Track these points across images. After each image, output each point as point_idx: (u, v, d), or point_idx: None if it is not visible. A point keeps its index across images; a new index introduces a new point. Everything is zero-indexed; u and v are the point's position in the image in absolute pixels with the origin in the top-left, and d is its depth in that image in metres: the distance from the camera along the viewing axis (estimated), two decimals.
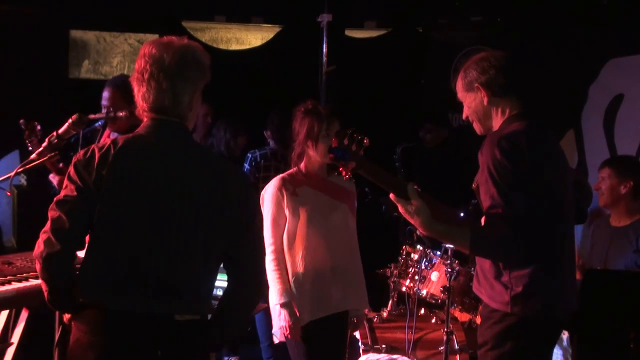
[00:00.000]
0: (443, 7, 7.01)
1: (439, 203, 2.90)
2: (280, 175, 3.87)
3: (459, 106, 3.13)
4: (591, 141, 6.02)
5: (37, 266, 2.43)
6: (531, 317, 2.82)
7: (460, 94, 3.07)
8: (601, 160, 5.07)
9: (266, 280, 2.68)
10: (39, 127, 3.73)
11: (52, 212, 2.42)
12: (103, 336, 2.38)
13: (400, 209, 2.84)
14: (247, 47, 7.38)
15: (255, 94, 6.80)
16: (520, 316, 2.82)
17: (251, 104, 6.73)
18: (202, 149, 2.60)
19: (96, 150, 2.43)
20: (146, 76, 2.46)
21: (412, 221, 2.86)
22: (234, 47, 7.38)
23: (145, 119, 2.53)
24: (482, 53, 3.04)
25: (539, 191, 2.81)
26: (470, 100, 3.03)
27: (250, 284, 2.62)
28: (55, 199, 2.45)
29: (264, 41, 7.35)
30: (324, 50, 6.76)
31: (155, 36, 2.62)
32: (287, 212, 3.75)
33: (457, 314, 4.65)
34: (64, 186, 2.47)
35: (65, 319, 2.59)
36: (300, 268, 3.69)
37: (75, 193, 2.41)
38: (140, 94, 2.50)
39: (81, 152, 2.48)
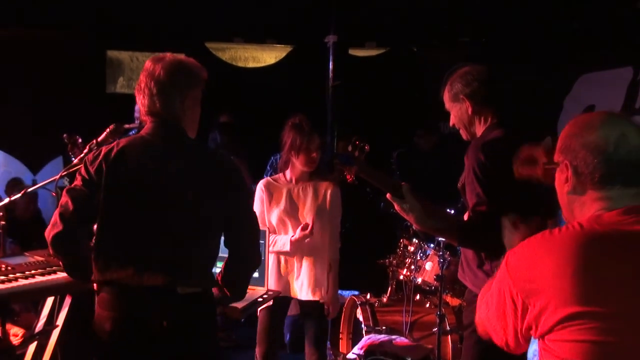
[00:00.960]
0: (434, 29, 7.00)
1: (429, 201, 2.87)
2: (267, 177, 3.98)
3: (447, 115, 3.12)
4: None
5: (48, 243, 2.50)
6: None
7: (448, 104, 3.06)
8: None
9: (259, 252, 2.70)
10: (80, 140, 3.73)
11: (62, 199, 2.50)
12: (115, 310, 2.42)
13: (397, 207, 2.82)
14: (263, 64, 7.38)
15: (270, 106, 6.80)
16: (476, 291, 2.80)
17: (266, 114, 6.73)
18: (196, 143, 2.63)
19: (103, 149, 2.52)
20: (142, 86, 2.53)
21: (406, 217, 2.84)
22: (251, 64, 7.37)
23: (147, 123, 2.59)
24: (466, 67, 3.02)
25: (519, 189, 2.74)
26: (457, 110, 3.02)
27: (247, 256, 2.64)
28: (66, 187, 2.54)
29: (277, 59, 7.34)
30: (331, 67, 6.75)
31: (182, 56, 2.61)
32: (265, 207, 3.84)
33: (449, 299, 4.64)
34: (75, 178, 2.56)
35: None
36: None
37: (80, 183, 2.49)
38: (139, 102, 2.57)
39: (91, 153, 2.56)
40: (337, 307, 4.00)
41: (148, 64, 2.56)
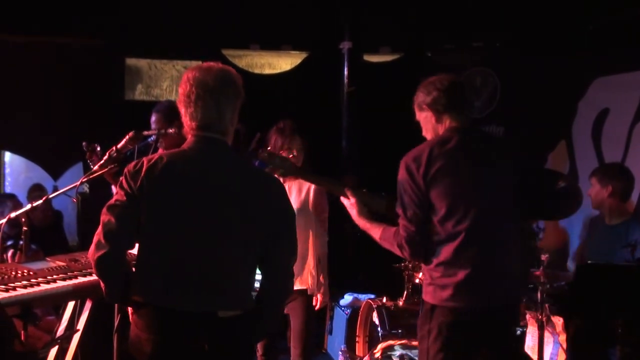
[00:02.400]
0: (449, 33, 6.99)
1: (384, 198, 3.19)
2: None
3: None
4: (581, 150, 5.97)
5: (92, 265, 2.42)
6: (439, 304, 2.90)
7: (416, 114, 3.16)
8: (590, 168, 5.05)
9: (292, 277, 2.67)
10: (98, 148, 3.75)
11: (104, 216, 2.40)
12: (155, 333, 2.35)
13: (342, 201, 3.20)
14: (278, 71, 7.39)
15: (286, 111, 6.81)
16: (430, 303, 2.94)
17: (282, 119, 6.73)
18: (241, 161, 2.58)
19: (145, 162, 2.41)
20: (193, 97, 2.43)
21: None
22: (267, 71, 7.39)
23: (189, 137, 2.50)
24: (431, 77, 3.13)
25: (440, 197, 2.87)
26: (422, 118, 3.13)
27: (282, 283, 2.59)
28: (107, 204, 2.43)
29: (292, 66, 7.35)
30: (345, 73, 6.78)
31: (199, 62, 2.60)
32: None
33: None
34: (115, 192, 2.46)
35: (129, 315, 2.57)
36: None
37: (124, 199, 2.39)
38: (188, 114, 2.46)
39: (132, 164, 2.45)
40: (327, 297, 4.06)
41: (195, 74, 2.45)
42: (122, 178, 2.43)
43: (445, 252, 2.89)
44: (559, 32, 6.08)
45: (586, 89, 5.91)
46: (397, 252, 2.99)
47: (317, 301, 3.99)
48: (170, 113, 3.84)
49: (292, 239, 2.59)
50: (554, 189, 3.77)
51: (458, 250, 2.87)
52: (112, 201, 2.42)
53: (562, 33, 6.06)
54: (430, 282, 2.96)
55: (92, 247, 2.40)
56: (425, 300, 2.98)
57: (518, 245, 3.02)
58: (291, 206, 2.64)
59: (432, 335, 2.91)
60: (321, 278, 3.96)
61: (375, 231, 3.10)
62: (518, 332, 4.31)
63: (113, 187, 4.31)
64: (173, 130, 3.66)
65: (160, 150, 3.90)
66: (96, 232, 2.41)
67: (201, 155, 2.45)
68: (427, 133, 3.11)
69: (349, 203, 3.21)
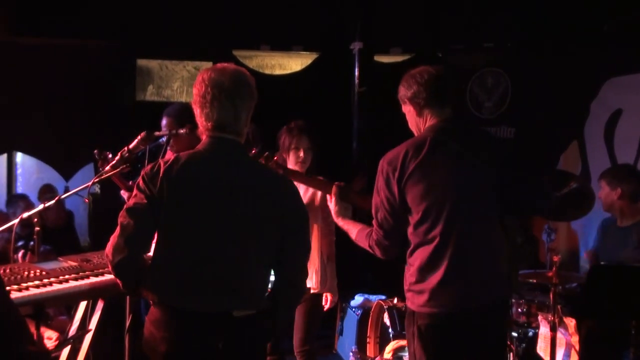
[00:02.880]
0: (459, 34, 6.97)
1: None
2: None
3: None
4: (593, 151, 5.94)
5: (110, 267, 2.42)
6: (416, 310, 2.87)
7: (402, 107, 3.10)
8: (602, 168, 5.04)
9: (307, 276, 2.67)
10: (110, 156, 3.76)
11: (122, 219, 2.40)
12: (170, 332, 2.36)
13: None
14: (289, 72, 7.39)
15: (297, 112, 6.81)
16: (410, 308, 2.92)
17: (292, 121, 6.74)
18: (255, 162, 2.58)
19: (162, 164, 2.42)
20: (209, 98, 2.43)
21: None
22: (277, 72, 7.39)
23: (204, 137, 2.51)
24: (412, 70, 3.04)
25: (422, 199, 2.82)
26: (406, 112, 3.07)
27: (296, 283, 2.60)
28: (125, 206, 2.42)
29: (303, 66, 7.35)
30: (356, 73, 6.76)
31: (210, 63, 2.61)
32: None
33: None
34: (133, 195, 2.45)
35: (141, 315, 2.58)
36: None
37: (144, 201, 2.39)
38: (204, 114, 2.47)
39: (149, 166, 2.46)
40: (336, 297, 4.06)
41: (211, 74, 2.45)
42: (140, 180, 2.43)
43: (420, 257, 2.85)
44: (571, 32, 6.05)
45: (599, 90, 5.89)
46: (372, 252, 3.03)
47: (327, 300, 3.99)
48: (181, 116, 3.86)
49: (306, 237, 2.61)
50: (566, 191, 3.75)
51: (432, 255, 2.82)
52: (130, 204, 2.42)
53: (574, 33, 6.03)
54: (408, 287, 2.92)
55: (110, 248, 2.40)
56: (407, 305, 2.97)
57: (500, 243, 2.94)
58: (304, 205, 2.65)
59: (415, 339, 2.90)
60: (329, 276, 3.97)
61: (352, 231, 3.12)
62: (530, 334, 4.30)
63: (122, 193, 4.33)
64: (185, 130, 3.66)
65: (169, 151, 3.91)
66: (114, 234, 2.41)
67: (218, 156, 2.46)
68: (412, 127, 3.07)
69: (331, 203, 3.31)
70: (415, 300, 2.88)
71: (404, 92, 3.02)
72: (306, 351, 3.93)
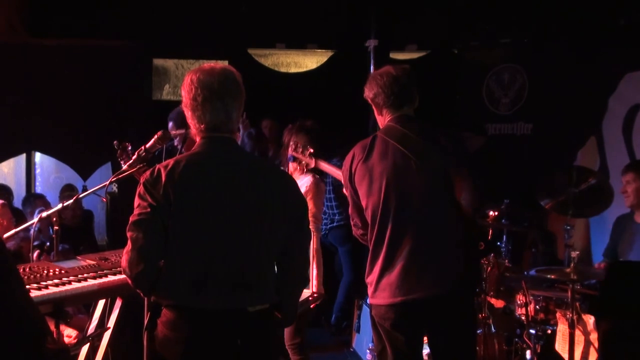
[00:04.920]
0: (475, 30, 6.94)
1: None
2: None
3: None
4: (611, 147, 5.89)
5: (129, 280, 2.42)
6: (370, 302, 3.10)
7: None
8: (621, 164, 4.98)
9: (309, 266, 2.73)
10: (129, 147, 3.77)
11: (130, 233, 2.38)
12: (186, 333, 2.36)
13: None
14: (304, 69, 7.40)
15: (312, 110, 6.82)
16: (370, 301, 3.12)
17: (307, 118, 6.75)
18: (252, 158, 2.60)
19: (162, 169, 2.39)
20: (200, 100, 2.42)
21: None
22: (293, 70, 7.41)
23: (198, 139, 2.49)
24: (379, 70, 3.18)
25: (368, 195, 3.03)
26: (373, 109, 3.22)
27: (302, 272, 2.64)
28: (131, 219, 2.39)
29: (318, 64, 7.36)
30: (371, 71, 6.74)
31: (225, 62, 2.60)
32: None
33: (493, 300, 4.58)
34: (136, 205, 2.41)
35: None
36: None
37: (148, 210, 2.36)
38: (195, 117, 2.46)
39: (148, 173, 2.43)
40: (322, 290, 4.05)
41: (199, 76, 2.44)
42: (140, 188, 2.40)
43: (370, 251, 3.07)
44: (589, 27, 6.00)
45: (616, 85, 5.84)
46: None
47: (314, 295, 4.00)
48: (181, 119, 3.87)
49: (308, 228, 2.66)
50: (584, 187, 3.72)
51: (373, 250, 3.04)
52: (135, 216, 2.39)
53: (592, 28, 5.98)
54: (366, 280, 3.13)
55: (125, 263, 2.39)
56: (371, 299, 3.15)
57: (454, 234, 3.03)
58: (303, 195, 2.69)
59: (373, 328, 3.15)
60: (315, 272, 3.97)
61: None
62: (548, 331, 4.27)
63: None
64: None
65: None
66: (126, 248, 2.40)
67: (217, 156, 2.46)
68: (379, 124, 3.22)
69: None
70: (369, 292, 3.11)
71: (367, 92, 3.19)
72: (297, 344, 3.93)
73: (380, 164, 3.01)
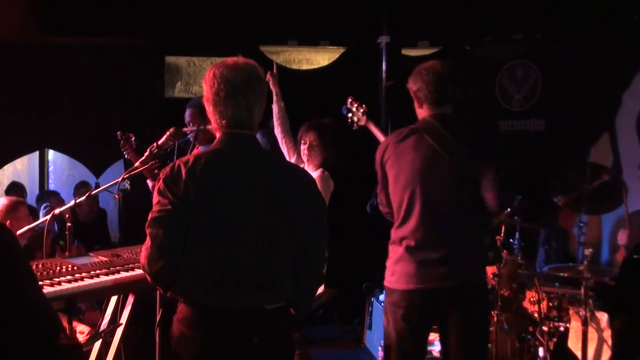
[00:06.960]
0: (487, 27, 6.90)
1: None
2: None
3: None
4: (624, 143, 5.86)
5: (148, 278, 2.40)
6: (388, 285, 3.13)
7: None
8: (635, 161, 4.95)
9: (326, 263, 2.70)
10: (132, 137, 3.79)
11: (150, 229, 2.35)
12: (204, 331, 2.35)
13: None
14: (316, 66, 7.39)
15: (324, 107, 6.81)
16: (385, 284, 3.17)
17: (320, 115, 6.75)
18: (272, 155, 2.57)
19: (182, 166, 2.35)
20: (222, 95, 2.39)
21: None
22: (305, 67, 7.39)
23: (219, 134, 2.47)
24: (424, 64, 3.21)
25: (396, 181, 3.10)
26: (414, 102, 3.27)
27: (319, 270, 2.61)
28: (150, 215, 2.37)
29: (330, 61, 7.34)
30: (384, 67, 6.74)
31: (241, 58, 2.57)
32: None
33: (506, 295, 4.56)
34: (155, 201, 2.37)
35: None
36: None
37: (169, 207, 2.32)
38: (217, 112, 2.42)
39: (167, 169, 2.39)
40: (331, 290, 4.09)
41: (222, 71, 2.41)
42: (160, 184, 2.37)
43: (392, 236, 3.14)
44: (601, 23, 5.96)
45: (631, 80, 5.80)
46: None
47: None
48: (200, 109, 3.88)
49: (325, 227, 2.60)
50: (597, 183, 3.70)
51: (396, 235, 3.11)
52: (155, 212, 2.36)
53: (605, 23, 5.94)
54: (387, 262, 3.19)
55: (144, 259, 2.37)
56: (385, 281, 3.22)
57: (476, 231, 3.10)
58: (321, 193, 2.65)
59: (384, 313, 3.18)
60: None
61: None
62: (561, 328, 4.25)
63: (149, 182, 4.37)
64: (210, 126, 3.69)
65: (196, 147, 3.93)
66: (145, 245, 2.37)
67: (237, 153, 2.43)
68: (418, 116, 3.26)
69: None
70: (385, 274, 3.17)
71: (411, 85, 3.24)
72: (296, 339, 3.93)
73: (410, 154, 3.07)
